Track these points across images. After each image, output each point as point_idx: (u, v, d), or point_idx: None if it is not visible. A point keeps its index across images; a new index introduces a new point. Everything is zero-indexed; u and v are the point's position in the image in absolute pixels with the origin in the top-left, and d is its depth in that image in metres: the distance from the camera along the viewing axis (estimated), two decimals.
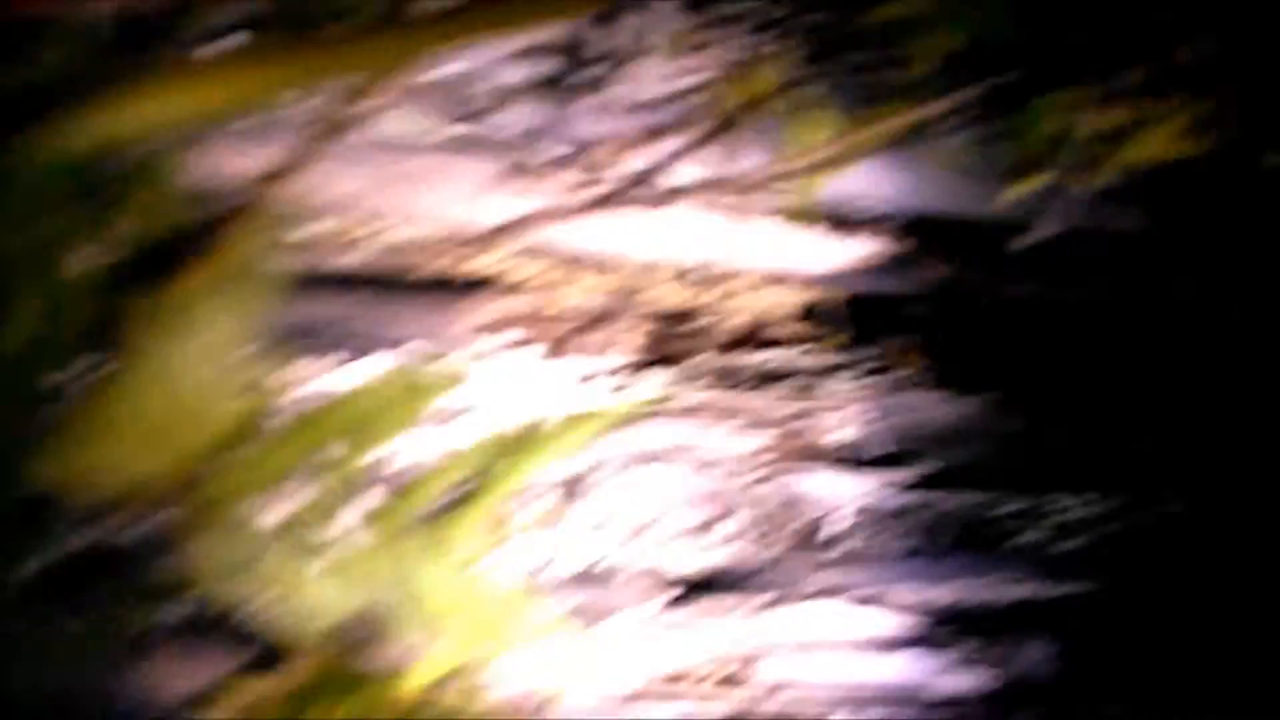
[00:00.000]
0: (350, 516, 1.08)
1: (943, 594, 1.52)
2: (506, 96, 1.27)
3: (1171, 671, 1.61)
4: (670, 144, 1.30)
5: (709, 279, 1.58)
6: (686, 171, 1.42)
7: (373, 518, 1.09)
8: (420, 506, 1.16)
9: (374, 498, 1.11)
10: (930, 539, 1.54)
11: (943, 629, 1.49)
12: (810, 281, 1.61)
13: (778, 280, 1.61)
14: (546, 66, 1.25)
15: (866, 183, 1.51)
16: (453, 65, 1.26)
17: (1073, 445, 1.66)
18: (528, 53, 1.25)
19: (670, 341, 1.54)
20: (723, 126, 1.22)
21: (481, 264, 1.46)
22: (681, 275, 1.56)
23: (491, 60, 1.27)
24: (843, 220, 1.55)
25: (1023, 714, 1.52)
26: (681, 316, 1.56)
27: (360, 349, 1.36)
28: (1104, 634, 1.59)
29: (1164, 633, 1.62)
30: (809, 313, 1.64)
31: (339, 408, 1.08)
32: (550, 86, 1.26)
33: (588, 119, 1.32)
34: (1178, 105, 0.97)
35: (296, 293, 1.30)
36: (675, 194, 1.44)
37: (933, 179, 1.50)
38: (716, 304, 1.59)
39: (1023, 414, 1.65)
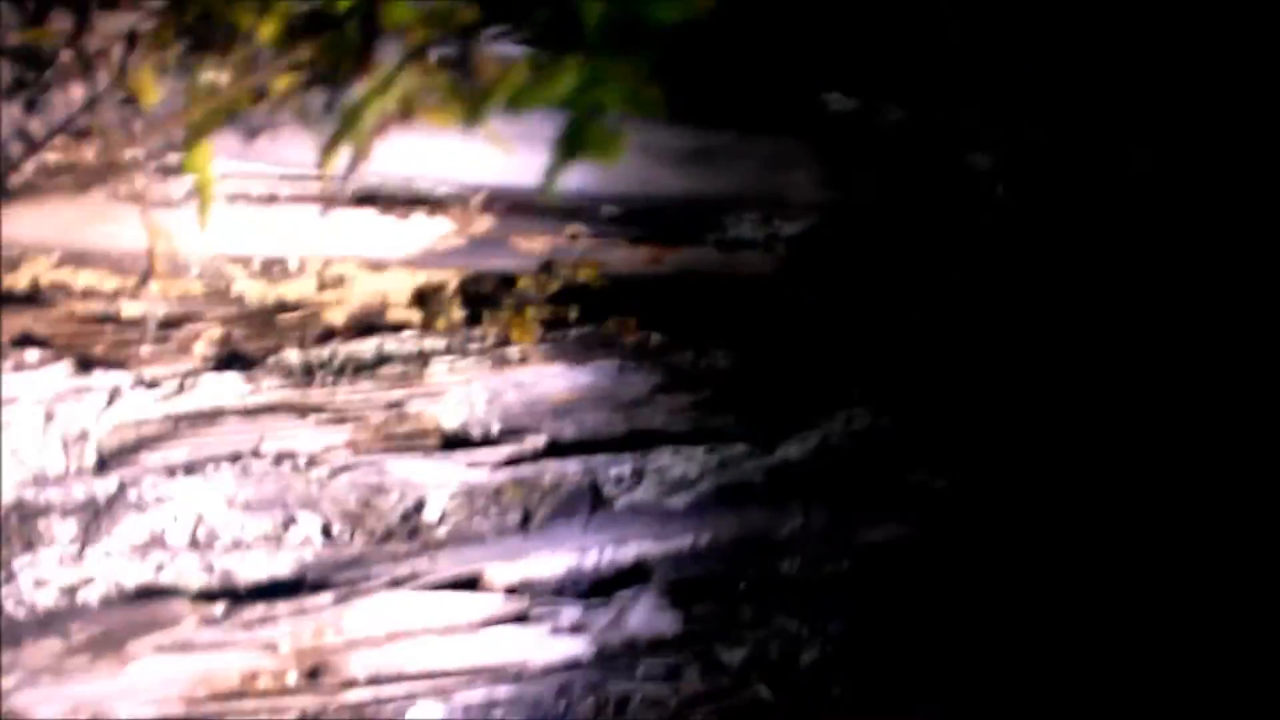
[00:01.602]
0: None
1: (544, 565, 1.54)
2: None
3: (784, 614, 1.71)
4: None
5: (295, 271, 1.50)
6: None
7: None
8: None
9: None
10: (532, 512, 1.55)
11: (542, 600, 1.52)
12: (413, 265, 1.55)
13: (377, 267, 1.54)
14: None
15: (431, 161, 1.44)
16: None
17: (688, 405, 1.69)
18: None
19: (253, 339, 1.46)
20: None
21: (10, 277, 1.34)
22: (264, 270, 1.47)
23: None
24: (421, 200, 1.49)
25: (636, 672, 1.58)
26: (267, 312, 1.48)
27: None
28: (714, 586, 1.66)
29: (779, 580, 1.71)
30: (417, 298, 1.58)
31: None
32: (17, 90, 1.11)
33: (80, 116, 1.19)
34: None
35: None
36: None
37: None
38: (311, 297, 1.52)
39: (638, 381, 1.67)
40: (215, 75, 0.91)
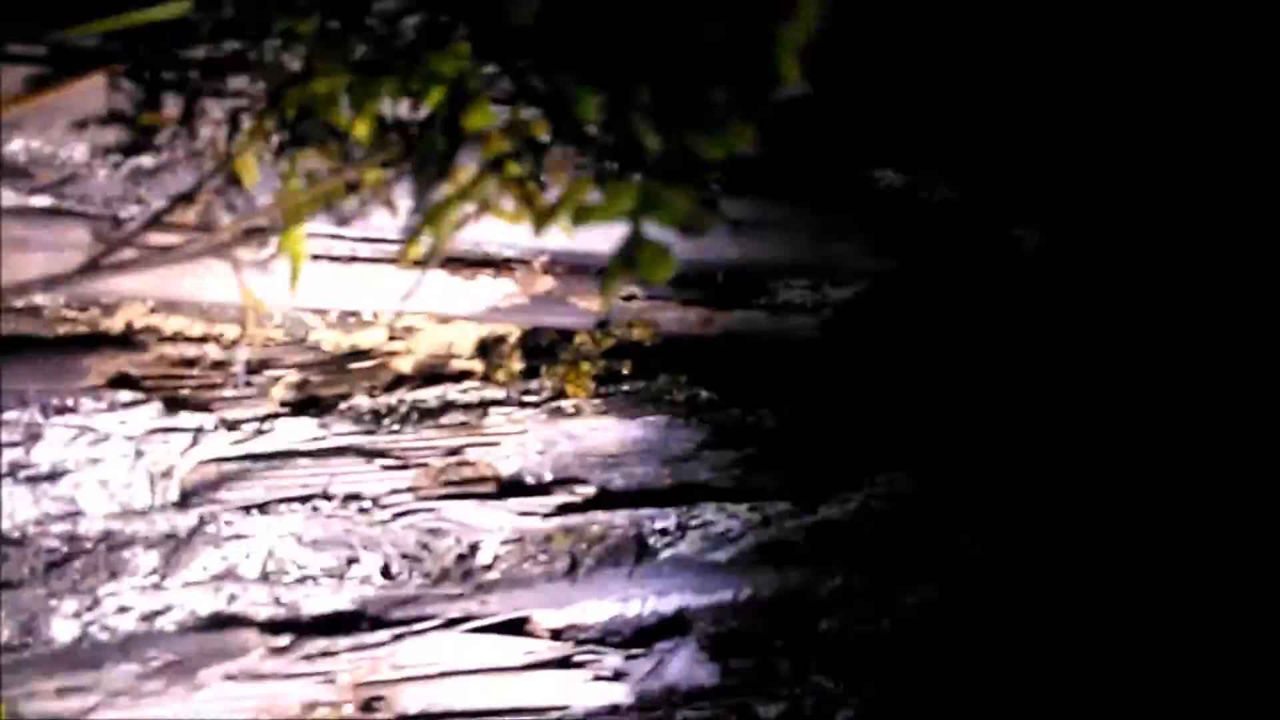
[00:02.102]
0: None
1: (589, 612, 1.61)
2: (80, 167, 1.23)
3: (821, 671, 1.75)
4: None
5: (366, 322, 1.59)
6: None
7: None
8: None
9: None
10: (579, 560, 1.62)
11: (586, 646, 1.59)
12: (477, 320, 1.64)
13: (444, 319, 1.63)
14: (113, 135, 1.21)
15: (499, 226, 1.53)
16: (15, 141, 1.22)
17: (735, 462, 1.76)
18: (88, 122, 1.21)
19: (327, 386, 1.56)
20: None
21: (107, 321, 1.45)
22: (339, 320, 1.57)
23: (56, 131, 1.23)
24: (488, 261, 1.58)
25: None
26: (339, 360, 1.58)
27: None
28: (752, 641, 1.71)
29: (817, 637, 1.76)
30: (479, 349, 1.67)
31: None
32: (123, 153, 1.22)
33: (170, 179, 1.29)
34: None
35: None
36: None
37: None
38: (380, 346, 1.61)
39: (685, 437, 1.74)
40: (312, 164, 1.01)
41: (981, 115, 1.70)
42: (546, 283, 1.64)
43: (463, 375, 1.65)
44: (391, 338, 1.63)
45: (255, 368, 1.53)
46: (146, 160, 1.18)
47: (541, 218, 0.84)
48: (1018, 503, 1.88)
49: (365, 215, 1.13)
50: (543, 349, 1.72)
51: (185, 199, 1.16)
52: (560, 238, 1.58)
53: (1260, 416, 1.93)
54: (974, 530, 1.86)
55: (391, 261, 1.48)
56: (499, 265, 1.58)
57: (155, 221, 1.17)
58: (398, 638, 1.47)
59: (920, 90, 1.65)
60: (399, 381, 1.62)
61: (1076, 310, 1.89)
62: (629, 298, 1.72)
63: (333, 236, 1.45)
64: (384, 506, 1.50)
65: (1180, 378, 1.92)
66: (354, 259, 1.49)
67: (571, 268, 1.64)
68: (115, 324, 1.47)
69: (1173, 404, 1.92)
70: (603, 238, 1.62)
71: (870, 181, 1.71)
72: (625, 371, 1.75)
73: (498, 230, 1.53)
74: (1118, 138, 1.78)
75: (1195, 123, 1.81)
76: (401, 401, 1.60)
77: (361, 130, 0.90)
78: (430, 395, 1.62)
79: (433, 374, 1.64)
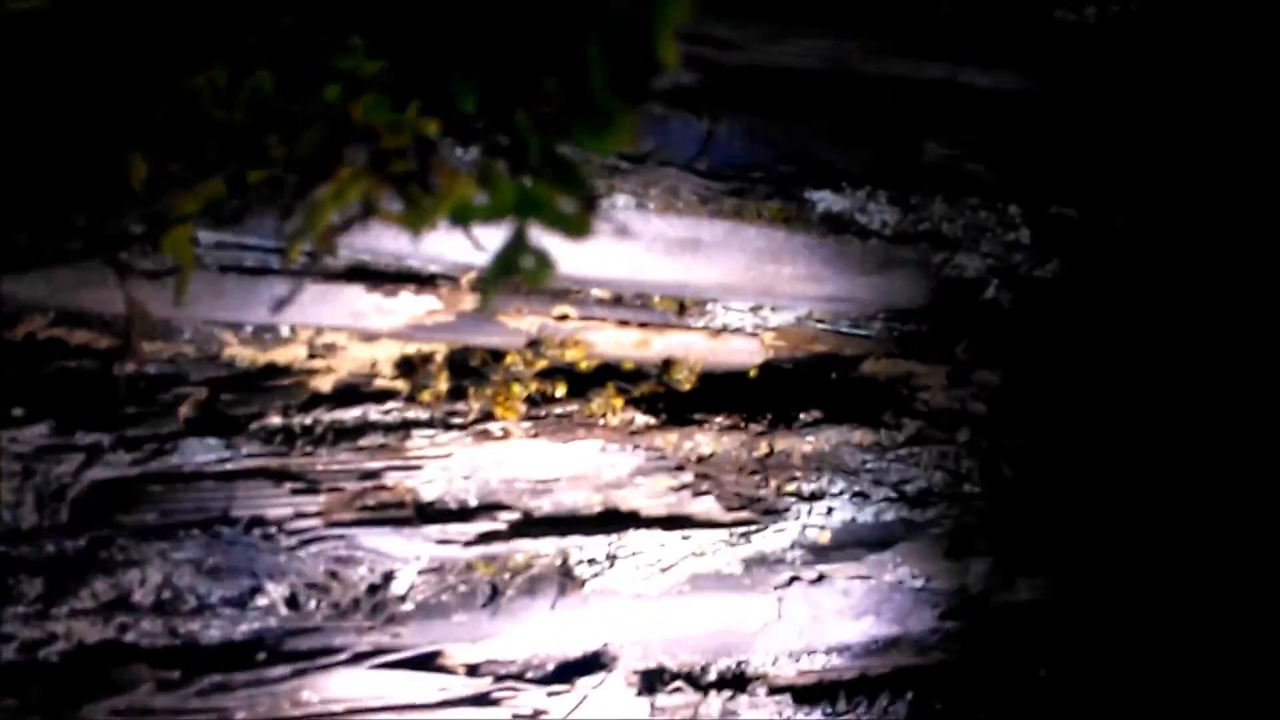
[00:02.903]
0: None
1: (508, 646, 1.53)
2: None
3: (753, 710, 1.68)
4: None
5: (284, 339, 1.52)
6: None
7: None
8: None
9: None
10: (501, 591, 1.55)
11: (505, 683, 1.51)
12: (402, 337, 1.57)
13: (368, 337, 1.56)
14: None
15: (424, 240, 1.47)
16: None
17: (667, 490, 1.69)
18: None
19: (236, 404, 1.49)
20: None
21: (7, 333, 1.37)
22: (253, 336, 1.50)
23: None
24: (410, 277, 1.51)
25: None
26: (252, 378, 1.50)
27: None
28: (683, 676, 1.64)
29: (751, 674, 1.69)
30: (404, 368, 1.60)
31: None
32: None
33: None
34: None
35: None
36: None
37: None
38: (297, 364, 1.54)
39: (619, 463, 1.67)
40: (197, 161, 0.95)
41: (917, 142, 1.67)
42: (474, 300, 1.58)
43: (385, 395, 1.58)
44: (311, 355, 1.56)
45: (161, 384, 1.46)
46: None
47: (421, 217, 0.78)
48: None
49: (248, 217, 1.07)
50: (471, 369, 1.65)
51: (77, 200, 1.09)
52: (487, 252, 1.55)
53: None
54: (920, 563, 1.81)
55: (307, 274, 1.42)
56: (423, 281, 1.51)
57: (45, 224, 1.10)
58: (300, 672, 1.39)
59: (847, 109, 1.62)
60: (316, 401, 1.54)
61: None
62: (562, 317, 1.66)
63: (242, 247, 1.39)
64: (291, 532, 1.43)
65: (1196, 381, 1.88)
66: (265, 270, 1.43)
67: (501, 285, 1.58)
68: (15, 335, 1.40)
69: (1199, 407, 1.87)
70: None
71: (809, 204, 1.67)
72: (558, 394, 1.69)
73: (423, 244, 1.49)
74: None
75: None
76: (318, 422, 1.52)
77: (239, 119, 0.84)
78: (349, 416, 1.55)
79: (353, 393, 1.57)
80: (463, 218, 0.77)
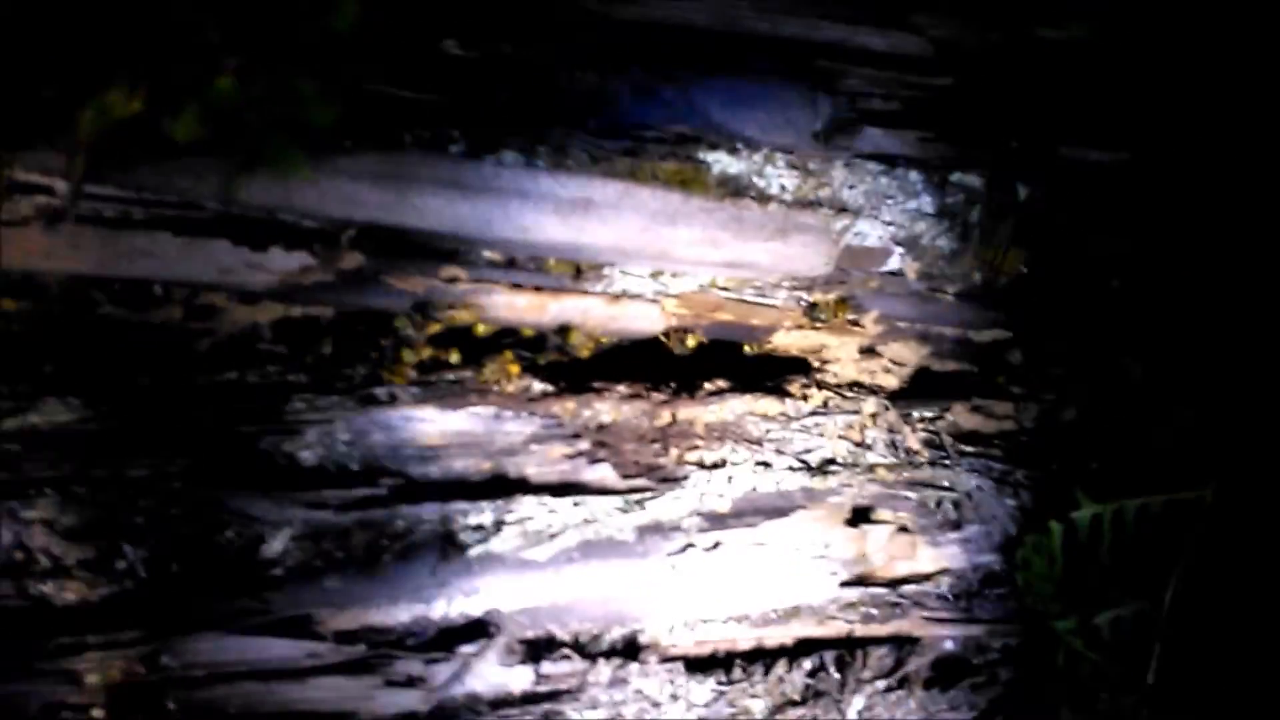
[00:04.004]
0: None
1: (385, 613, 1.50)
2: None
3: (645, 678, 1.65)
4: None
5: (157, 298, 1.47)
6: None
7: None
8: None
9: None
10: (378, 556, 1.51)
11: (380, 649, 1.47)
12: (285, 299, 1.53)
13: (247, 299, 1.51)
14: None
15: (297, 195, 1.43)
16: None
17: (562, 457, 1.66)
18: None
19: (101, 365, 1.43)
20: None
21: None
22: (125, 292, 1.45)
23: None
24: (284, 232, 1.47)
25: None
26: (126, 336, 1.45)
27: None
28: (571, 645, 1.61)
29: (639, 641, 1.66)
30: (286, 331, 1.56)
31: None
32: None
33: None
34: None
35: None
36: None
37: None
38: (173, 323, 1.49)
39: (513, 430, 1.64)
40: None
41: None
42: (355, 259, 1.54)
43: (265, 358, 1.54)
44: (188, 316, 1.51)
45: (28, 342, 1.40)
46: None
47: (186, 121, 0.74)
48: None
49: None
50: (358, 333, 1.61)
51: None
52: (370, 207, 1.51)
53: None
54: None
55: (171, 226, 1.37)
56: (295, 236, 1.47)
57: None
58: (157, 636, 1.34)
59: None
60: (192, 362, 1.50)
61: None
62: (451, 279, 1.62)
63: (101, 198, 1.33)
64: (154, 494, 1.38)
65: None
66: (127, 222, 1.38)
67: (384, 243, 1.54)
68: None
69: None
70: (417, 213, 1.55)
71: (704, 166, 1.64)
72: (452, 360, 1.65)
73: (296, 196, 1.45)
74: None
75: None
76: (191, 384, 1.48)
77: None
78: (225, 379, 1.50)
79: (230, 355, 1.52)
80: (216, 102, 0.74)
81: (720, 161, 1.65)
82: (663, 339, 1.75)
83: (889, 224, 1.78)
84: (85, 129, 0.73)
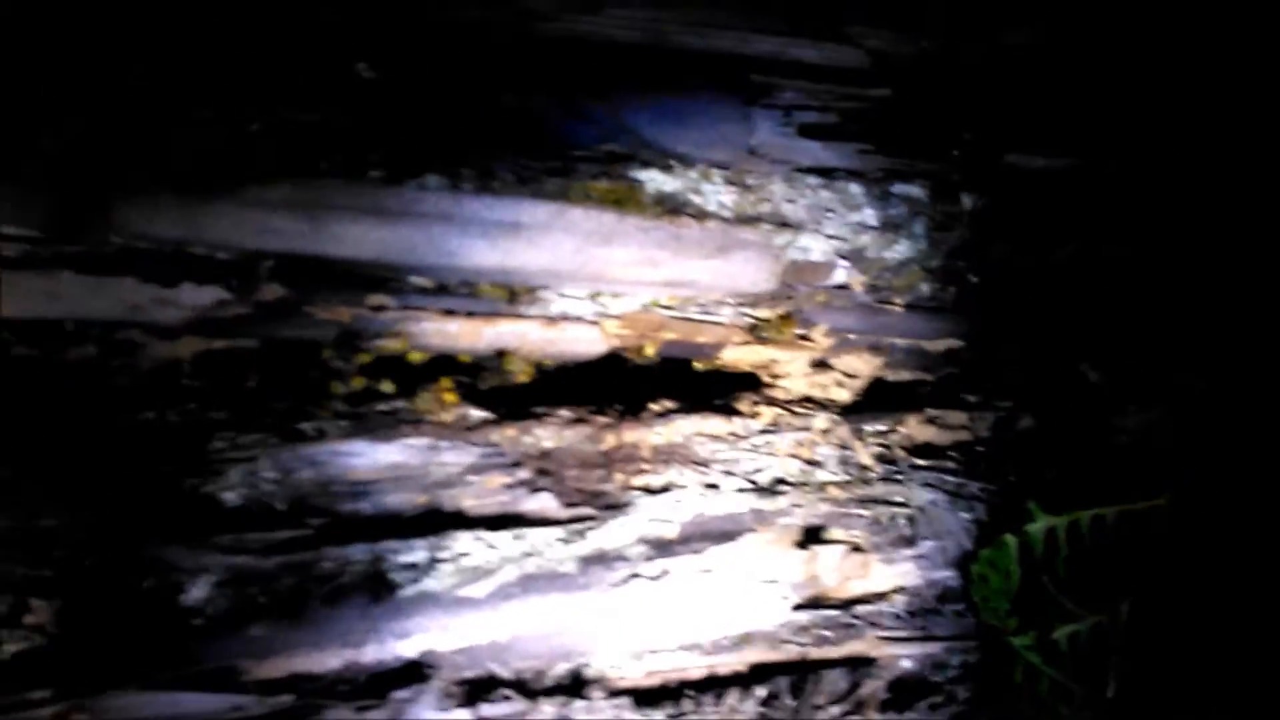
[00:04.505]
0: None
1: (313, 659, 1.44)
2: None
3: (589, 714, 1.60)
4: None
5: (71, 335, 1.41)
6: None
7: None
8: None
9: None
10: (306, 601, 1.45)
11: (307, 699, 1.41)
12: (204, 333, 1.47)
13: (165, 334, 1.45)
14: None
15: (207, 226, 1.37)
16: None
17: (501, 487, 1.61)
18: None
19: (13, 406, 1.37)
20: None
21: None
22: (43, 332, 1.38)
23: None
24: (196, 265, 1.41)
25: None
26: (35, 377, 1.39)
27: None
28: (511, 684, 1.56)
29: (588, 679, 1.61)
30: (207, 366, 1.49)
31: None
32: None
33: None
34: None
35: None
36: None
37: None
38: (89, 362, 1.43)
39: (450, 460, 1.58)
40: None
41: None
42: (274, 290, 1.48)
43: (185, 395, 1.48)
44: (105, 353, 1.45)
45: None
46: None
47: None
48: None
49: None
50: (283, 365, 1.55)
51: None
52: (287, 237, 1.45)
53: None
54: None
55: (72, 264, 1.31)
56: (208, 269, 1.41)
57: None
58: (69, 694, 1.27)
59: None
60: (109, 401, 1.43)
61: None
62: (379, 308, 1.57)
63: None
64: (67, 545, 1.32)
65: None
66: (28, 262, 1.31)
67: (303, 273, 1.48)
68: None
69: None
70: (336, 242, 1.49)
71: (638, 184, 1.59)
72: (385, 389, 1.60)
73: (207, 227, 1.39)
74: None
75: None
76: (107, 424, 1.41)
77: None
78: (144, 417, 1.44)
79: (149, 393, 1.46)
80: None
81: (654, 180, 1.60)
82: (621, 352, 1.70)
83: (831, 238, 1.74)
84: None
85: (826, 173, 1.68)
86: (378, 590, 1.48)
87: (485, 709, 1.50)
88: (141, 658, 1.33)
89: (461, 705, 1.49)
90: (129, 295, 1.37)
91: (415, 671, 1.48)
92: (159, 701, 1.33)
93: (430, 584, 1.51)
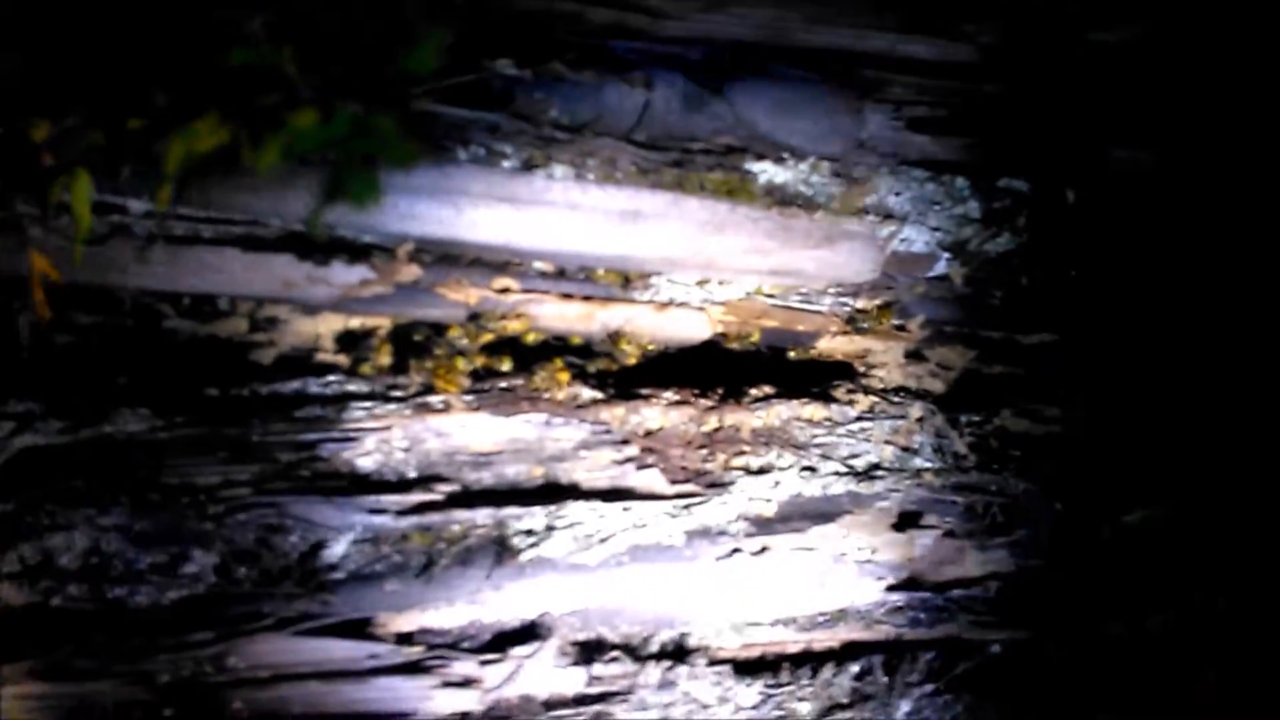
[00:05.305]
0: None
1: (441, 615, 1.54)
2: None
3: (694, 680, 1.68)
4: None
5: (223, 311, 1.53)
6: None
7: None
8: None
9: None
10: (434, 560, 1.55)
11: (437, 651, 1.52)
12: (345, 310, 1.57)
13: (310, 310, 1.56)
14: None
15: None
16: None
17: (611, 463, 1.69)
18: None
19: (170, 376, 1.49)
20: None
21: None
22: (192, 308, 1.50)
23: None
24: (343, 247, 1.51)
25: None
26: (188, 350, 1.51)
27: None
28: (621, 647, 1.64)
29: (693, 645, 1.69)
30: (345, 342, 1.60)
31: None
32: None
33: None
34: None
35: None
36: None
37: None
38: (238, 336, 1.54)
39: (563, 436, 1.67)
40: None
41: None
42: (412, 272, 1.58)
43: (325, 368, 1.59)
44: (252, 328, 1.56)
45: (101, 354, 1.46)
46: None
47: (266, 151, 0.78)
48: None
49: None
50: (414, 343, 1.65)
51: None
52: (426, 222, 1.55)
53: None
54: None
55: (240, 244, 1.42)
56: (355, 251, 1.51)
57: None
58: (225, 637, 1.39)
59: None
60: (254, 373, 1.55)
61: None
62: (503, 290, 1.66)
63: (171, 217, 1.39)
64: (220, 500, 1.43)
65: None
66: (198, 240, 1.43)
67: (439, 256, 1.58)
68: None
69: None
70: (471, 227, 1.58)
71: (751, 176, 1.66)
72: (504, 368, 1.69)
73: (354, 213, 1.49)
74: None
75: None
76: (255, 393, 1.53)
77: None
78: (287, 388, 1.55)
79: (292, 366, 1.57)
80: (300, 143, 0.78)
81: (766, 171, 1.67)
82: (722, 337, 1.78)
83: (935, 229, 1.79)
84: (173, 159, 0.78)
85: (933, 166, 1.73)
86: (500, 553, 1.58)
87: (597, 669, 1.59)
88: (287, 607, 1.45)
89: (575, 664, 1.58)
90: (284, 272, 1.48)
91: (534, 630, 1.58)
92: (301, 648, 1.44)
93: (547, 549, 1.61)
